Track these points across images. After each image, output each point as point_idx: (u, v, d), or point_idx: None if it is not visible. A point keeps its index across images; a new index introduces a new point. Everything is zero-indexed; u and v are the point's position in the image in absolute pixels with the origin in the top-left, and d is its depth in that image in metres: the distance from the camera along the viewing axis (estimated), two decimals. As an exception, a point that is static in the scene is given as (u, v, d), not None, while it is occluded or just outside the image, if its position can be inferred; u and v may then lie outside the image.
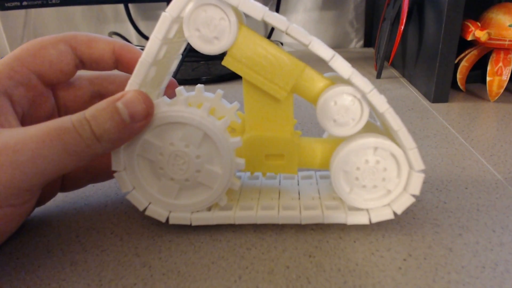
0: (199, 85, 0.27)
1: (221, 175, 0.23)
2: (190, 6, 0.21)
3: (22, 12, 0.74)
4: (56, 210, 0.28)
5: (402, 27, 0.49)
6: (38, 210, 0.28)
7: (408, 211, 0.26)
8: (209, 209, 0.25)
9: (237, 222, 0.25)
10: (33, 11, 0.74)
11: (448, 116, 0.42)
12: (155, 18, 0.74)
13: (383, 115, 0.22)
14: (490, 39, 0.42)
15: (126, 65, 0.27)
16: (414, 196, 0.24)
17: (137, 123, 0.21)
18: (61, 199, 0.29)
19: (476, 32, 0.41)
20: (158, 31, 0.21)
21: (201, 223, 0.25)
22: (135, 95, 0.21)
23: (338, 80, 0.24)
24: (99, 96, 0.28)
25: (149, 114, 0.21)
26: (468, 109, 0.43)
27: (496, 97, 0.44)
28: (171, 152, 0.23)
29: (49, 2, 0.58)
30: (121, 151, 0.23)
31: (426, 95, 0.47)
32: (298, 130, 0.27)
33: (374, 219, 0.24)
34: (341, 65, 0.21)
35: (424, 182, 0.30)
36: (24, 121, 0.24)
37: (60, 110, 0.27)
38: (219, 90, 0.28)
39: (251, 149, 0.25)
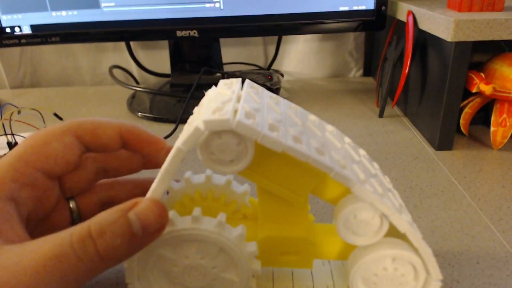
0: (208, 172, 0.27)
1: (237, 282, 0.23)
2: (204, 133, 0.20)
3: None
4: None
5: (406, 71, 0.49)
6: None
7: (422, 293, 0.27)
8: None
9: None
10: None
11: (453, 167, 0.42)
12: (154, 47, 0.73)
13: (404, 234, 0.22)
14: (494, 91, 0.42)
15: (133, 147, 0.26)
16: None
17: (149, 237, 0.20)
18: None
19: (480, 86, 0.42)
20: (171, 165, 0.20)
21: None
22: (149, 206, 0.20)
23: None
24: (103, 171, 0.28)
25: (162, 227, 0.20)
26: (472, 159, 0.44)
27: (500, 146, 0.44)
28: (186, 264, 0.23)
29: (49, 40, 0.58)
30: (134, 263, 0.22)
31: (430, 141, 0.47)
32: (310, 214, 0.27)
33: None
34: (363, 193, 0.21)
35: (437, 255, 0.30)
36: (30, 218, 0.23)
37: (66, 193, 0.27)
38: (229, 176, 0.28)
39: (265, 248, 0.25)
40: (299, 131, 0.22)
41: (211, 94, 0.24)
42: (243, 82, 0.25)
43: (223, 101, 0.21)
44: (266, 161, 0.22)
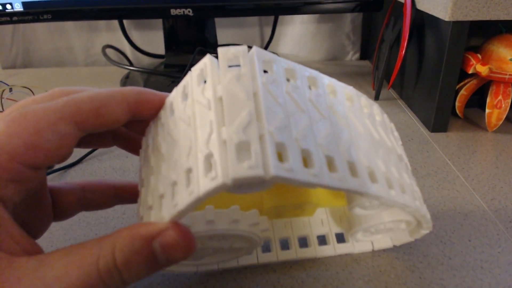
0: None
1: (247, 248, 0.25)
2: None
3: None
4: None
5: (403, 53, 0.49)
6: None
7: (414, 269, 0.27)
8: None
9: (260, 263, 0.27)
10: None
11: (447, 149, 0.42)
12: (148, 28, 0.72)
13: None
14: (490, 72, 0.42)
15: (144, 116, 0.22)
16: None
17: (169, 265, 0.19)
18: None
19: (477, 66, 0.42)
20: (184, 212, 0.17)
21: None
22: (176, 239, 0.18)
23: None
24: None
25: (188, 256, 0.19)
26: (467, 141, 0.44)
27: (495, 128, 0.44)
28: (199, 248, 0.23)
29: (41, 18, 0.57)
30: None
31: (425, 123, 0.47)
32: None
33: (377, 247, 0.28)
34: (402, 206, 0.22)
35: (429, 232, 0.30)
36: (15, 210, 0.20)
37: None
38: None
39: (272, 214, 0.27)
40: (337, 145, 0.19)
41: (213, 82, 0.18)
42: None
43: (244, 123, 0.16)
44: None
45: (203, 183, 0.16)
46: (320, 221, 0.29)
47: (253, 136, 0.16)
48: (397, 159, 0.24)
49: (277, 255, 0.27)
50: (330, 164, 0.18)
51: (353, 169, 0.19)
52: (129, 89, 0.21)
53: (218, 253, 0.25)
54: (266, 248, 0.28)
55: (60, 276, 0.17)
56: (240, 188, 0.16)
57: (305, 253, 0.27)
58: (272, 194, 0.26)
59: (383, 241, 0.28)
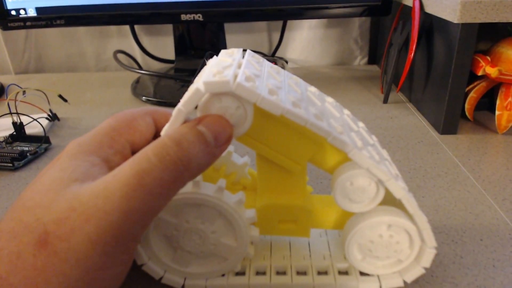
0: None
1: (236, 248, 0.24)
2: (205, 95, 0.20)
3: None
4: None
5: (412, 56, 0.49)
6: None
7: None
8: (223, 274, 0.25)
9: (251, 284, 0.25)
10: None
11: (457, 151, 0.42)
12: (158, 33, 0.73)
13: (400, 200, 0.22)
14: (500, 74, 0.42)
15: (159, 128, 0.27)
16: (425, 268, 0.24)
17: (220, 147, 0.21)
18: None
19: (486, 68, 0.42)
20: (171, 126, 0.21)
21: None
22: (216, 117, 0.20)
23: None
24: None
25: (230, 137, 0.21)
26: (477, 143, 0.44)
27: (505, 130, 0.44)
28: (186, 228, 0.23)
29: (54, 23, 0.58)
30: None
31: (434, 126, 0.47)
32: (308, 185, 0.27)
33: (385, 287, 0.25)
34: (360, 158, 0.22)
35: (440, 232, 0.30)
36: None
37: None
38: (231, 146, 0.28)
39: (263, 216, 0.25)
40: (298, 98, 0.22)
41: (212, 62, 0.24)
42: (244, 52, 0.25)
43: (224, 66, 0.21)
44: (265, 127, 0.22)
45: (183, 99, 0.20)
46: (322, 256, 0.27)
47: (229, 70, 0.20)
48: (381, 153, 0.25)
49: (271, 278, 0.25)
50: (295, 105, 0.21)
51: (318, 117, 0.21)
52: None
53: (205, 258, 0.24)
54: (261, 272, 0.26)
55: (116, 173, 0.19)
56: (213, 96, 0.20)
57: (301, 280, 0.25)
58: (265, 193, 0.25)
59: (392, 279, 0.25)
